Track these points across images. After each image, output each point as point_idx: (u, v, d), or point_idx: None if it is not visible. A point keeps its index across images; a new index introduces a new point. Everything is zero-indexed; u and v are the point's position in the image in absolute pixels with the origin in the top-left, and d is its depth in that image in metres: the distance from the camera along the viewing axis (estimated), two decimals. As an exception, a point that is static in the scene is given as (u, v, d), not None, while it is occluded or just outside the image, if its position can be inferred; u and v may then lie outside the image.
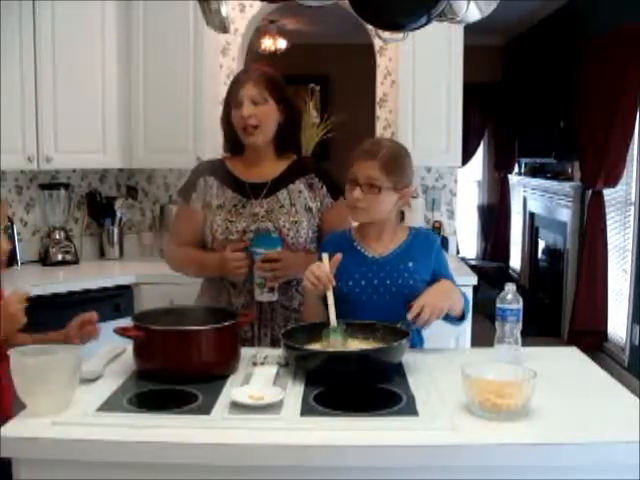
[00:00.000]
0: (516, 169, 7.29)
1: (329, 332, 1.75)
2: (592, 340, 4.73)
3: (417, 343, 1.99)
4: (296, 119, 2.23)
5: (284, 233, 2.09)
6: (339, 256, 1.82)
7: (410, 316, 1.79)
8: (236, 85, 2.13)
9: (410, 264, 1.92)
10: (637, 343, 4.32)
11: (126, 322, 1.75)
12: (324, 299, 1.83)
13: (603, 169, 4.59)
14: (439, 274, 1.95)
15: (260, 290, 2.03)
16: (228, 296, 2.13)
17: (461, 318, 1.94)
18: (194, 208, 2.18)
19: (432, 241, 2.00)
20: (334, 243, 2.00)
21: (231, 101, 2.12)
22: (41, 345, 1.53)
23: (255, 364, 1.72)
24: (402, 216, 3.64)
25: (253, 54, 4.70)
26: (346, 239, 2.00)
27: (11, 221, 3.24)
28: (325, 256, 1.82)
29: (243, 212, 2.11)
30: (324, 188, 2.16)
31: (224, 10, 2.04)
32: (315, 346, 1.75)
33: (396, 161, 1.89)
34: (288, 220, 2.10)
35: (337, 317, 1.77)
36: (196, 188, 2.18)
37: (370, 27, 2.55)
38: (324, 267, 1.80)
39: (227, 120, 2.16)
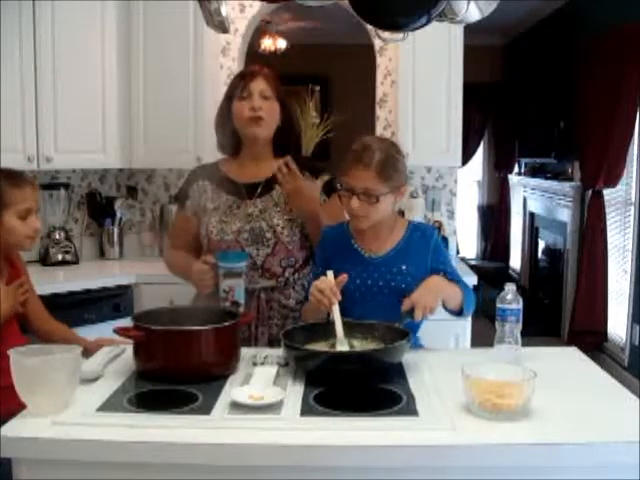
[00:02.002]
0: (516, 169, 7.29)
1: (336, 343, 1.75)
2: (592, 340, 4.73)
3: (414, 342, 1.99)
4: (293, 122, 2.26)
5: (278, 232, 2.09)
6: (345, 276, 1.81)
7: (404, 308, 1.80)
8: (244, 78, 2.14)
9: (404, 267, 1.91)
10: (637, 343, 4.32)
11: (126, 322, 1.75)
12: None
13: (603, 169, 4.59)
14: (438, 269, 1.93)
15: (223, 304, 2.01)
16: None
17: (460, 312, 1.92)
18: (189, 214, 2.20)
19: (428, 237, 1.97)
20: (331, 239, 2.01)
21: (235, 94, 2.13)
22: (41, 345, 1.53)
23: (255, 364, 1.72)
24: (402, 215, 3.65)
25: (253, 54, 4.70)
26: (343, 235, 1.99)
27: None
28: (330, 273, 1.81)
29: (238, 213, 2.12)
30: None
31: (224, 10, 2.03)
32: (316, 346, 1.74)
33: (390, 165, 1.87)
34: (282, 219, 2.11)
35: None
36: (189, 194, 2.20)
37: (370, 27, 2.55)
38: (328, 282, 1.79)
39: (227, 115, 2.15)
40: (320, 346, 1.76)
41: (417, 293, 1.81)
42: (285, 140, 2.20)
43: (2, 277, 1.96)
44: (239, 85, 2.13)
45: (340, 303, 1.79)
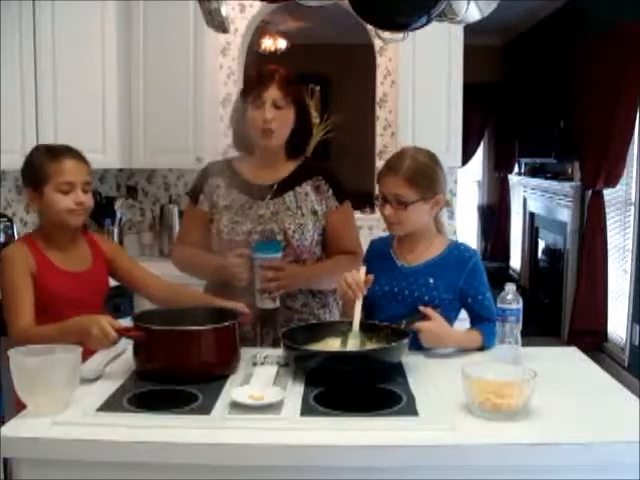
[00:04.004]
0: (516, 169, 7.29)
1: (348, 334, 1.76)
2: (592, 340, 4.73)
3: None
4: (308, 124, 2.21)
5: (289, 235, 2.08)
6: (371, 277, 1.83)
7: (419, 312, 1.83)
8: (258, 85, 2.08)
9: (431, 280, 1.91)
10: (637, 343, 4.32)
11: (126, 322, 1.75)
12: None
13: (603, 169, 4.59)
14: (468, 293, 1.92)
15: (260, 297, 2.02)
16: (230, 296, 2.12)
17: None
18: (201, 209, 2.18)
19: (466, 259, 1.94)
20: (375, 248, 2.06)
21: (249, 100, 2.08)
22: (41, 345, 1.53)
23: (255, 364, 1.72)
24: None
25: (253, 54, 4.71)
26: (386, 244, 2.03)
27: (11, 221, 3.24)
28: (363, 268, 1.84)
29: (249, 213, 2.10)
30: (330, 191, 2.15)
31: (224, 10, 2.03)
32: (317, 345, 1.75)
33: (420, 173, 1.89)
34: (294, 222, 2.09)
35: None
36: (203, 189, 2.18)
37: (370, 27, 2.55)
38: (357, 276, 1.81)
39: (241, 116, 2.12)
40: (323, 345, 1.76)
41: (437, 321, 1.83)
42: (299, 142, 2.17)
43: (87, 263, 1.98)
44: (253, 91, 2.08)
45: (364, 306, 1.81)
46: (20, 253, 1.87)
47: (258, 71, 2.17)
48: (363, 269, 1.84)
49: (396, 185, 1.88)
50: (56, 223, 1.95)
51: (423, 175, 1.89)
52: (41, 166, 1.89)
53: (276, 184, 2.14)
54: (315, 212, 2.14)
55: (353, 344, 1.74)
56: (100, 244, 2.08)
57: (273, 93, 2.06)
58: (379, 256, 2.00)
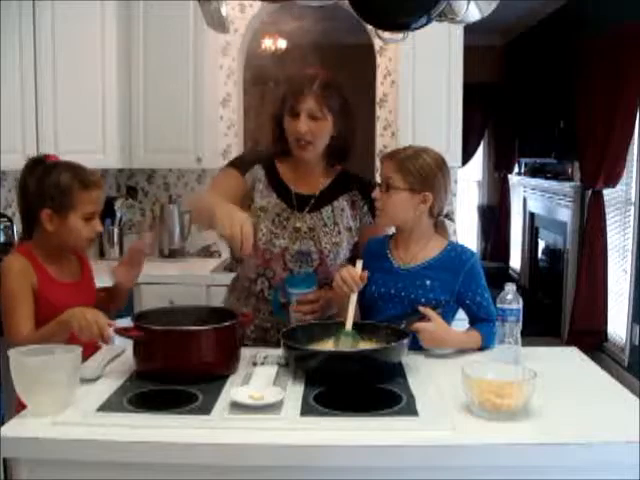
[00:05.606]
0: (516, 169, 7.29)
1: (341, 333, 1.76)
2: (592, 340, 4.73)
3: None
4: (349, 133, 2.08)
5: (324, 255, 2.05)
6: (366, 273, 1.82)
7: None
8: (295, 94, 1.98)
9: (428, 282, 1.90)
10: (637, 343, 4.32)
11: (126, 322, 1.76)
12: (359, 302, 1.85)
13: (603, 169, 4.59)
14: (466, 296, 1.92)
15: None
16: (256, 303, 2.10)
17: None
18: (241, 177, 2.07)
19: (463, 261, 1.92)
20: (371, 248, 2.03)
21: (287, 107, 1.99)
22: (41, 345, 1.53)
23: (255, 364, 1.72)
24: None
25: (253, 54, 4.70)
26: (382, 244, 2.02)
27: (11, 221, 3.24)
28: (359, 263, 1.83)
29: (287, 225, 2.05)
30: (365, 207, 2.11)
31: (224, 10, 2.04)
32: (317, 345, 1.75)
33: (415, 164, 1.88)
34: (330, 242, 2.05)
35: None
36: (249, 168, 2.08)
37: (370, 27, 2.55)
38: (353, 271, 1.81)
39: (279, 123, 2.04)
40: (323, 345, 1.76)
41: (436, 322, 1.82)
42: (340, 151, 2.09)
43: (78, 275, 2.02)
44: (290, 98, 1.99)
45: (361, 308, 1.81)
46: (22, 266, 1.87)
47: (296, 76, 2.04)
48: (360, 263, 1.83)
49: (388, 168, 1.90)
50: (68, 246, 1.96)
51: (417, 167, 1.88)
52: (70, 192, 1.88)
53: (316, 196, 2.08)
54: (350, 229, 2.10)
55: (345, 342, 1.74)
56: (87, 262, 2.11)
57: (309, 104, 1.95)
58: (376, 256, 1.98)
